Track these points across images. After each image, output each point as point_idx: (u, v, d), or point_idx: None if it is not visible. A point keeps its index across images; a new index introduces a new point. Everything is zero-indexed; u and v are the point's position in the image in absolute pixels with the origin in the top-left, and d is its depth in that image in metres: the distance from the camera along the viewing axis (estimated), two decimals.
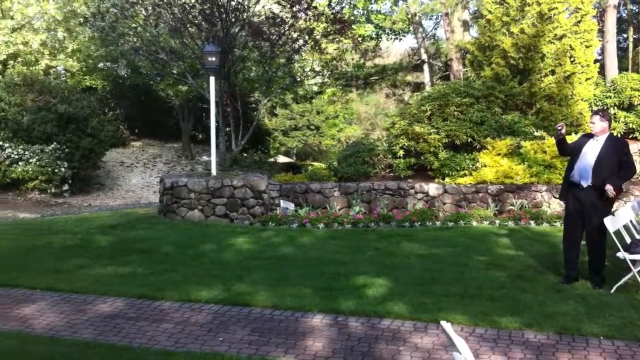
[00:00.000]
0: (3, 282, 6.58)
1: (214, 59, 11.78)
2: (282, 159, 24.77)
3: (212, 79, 12.08)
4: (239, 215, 10.66)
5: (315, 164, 24.44)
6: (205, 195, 10.70)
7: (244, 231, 9.57)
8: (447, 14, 20.63)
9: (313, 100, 29.85)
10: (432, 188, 11.24)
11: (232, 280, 6.48)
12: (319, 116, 35.87)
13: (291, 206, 11.06)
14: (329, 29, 14.60)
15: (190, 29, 14.43)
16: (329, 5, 15.08)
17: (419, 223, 10.05)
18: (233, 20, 13.96)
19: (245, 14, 14.10)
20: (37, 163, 14.55)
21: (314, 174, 12.41)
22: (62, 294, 6.19)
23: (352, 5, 23.28)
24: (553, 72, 13.34)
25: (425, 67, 24.23)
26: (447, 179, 11.32)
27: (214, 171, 11.77)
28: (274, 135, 29.08)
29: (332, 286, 6.22)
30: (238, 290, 6.08)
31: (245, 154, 15.77)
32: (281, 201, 11.17)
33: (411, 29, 25.17)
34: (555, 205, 10.48)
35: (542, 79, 13.36)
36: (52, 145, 14.80)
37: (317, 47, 14.79)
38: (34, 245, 8.53)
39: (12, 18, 18.23)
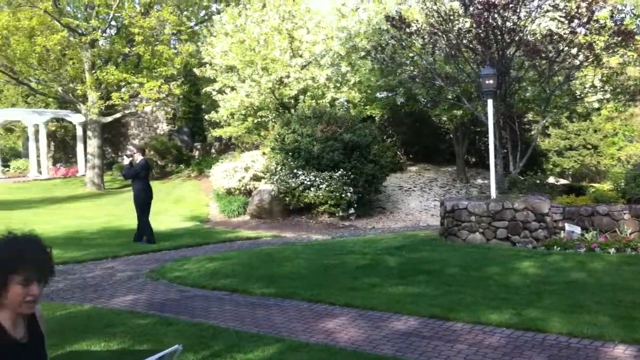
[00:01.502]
0: (307, 298, 7.27)
1: (491, 81, 11.79)
2: (553, 180, 23.63)
3: (489, 102, 12.08)
4: (521, 239, 10.47)
5: (596, 185, 22.93)
6: (485, 218, 10.71)
7: (528, 255, 9.38)
8: None
9: (591, 118, 28.09)
10: None
11: (522, 305, 6.43)
12: (596, 134, 33.60)
13: (577, 230, 10.57)
14: (610, 42, 13.75)
15: (465, 53, 14.62)
16: (611, 17, 14.20)
17: None
18: (508, 41, 13.83)
19: (521, 34, 13.89)
20: (327, 188, 15.79)
21: (599, 196, 11.74)
22: (359, 310, 6.66)
23: (634, 15, 21.57)
24: None
25: None
26: None
27: (493, 194, 11.72)
28: (547, 156, 27.95)
29: (632, 315, 5.86)
30: (529, 315, 6.02)
31: (521, 176, 15.42)
32: (566, 224, 10.74)
33: None
34: None
35: None
36: (339, 172, 15.95)
37: (597, 62, 14.01)
38: (330, 265, 9.27)
39: (301, 56, 20.12)
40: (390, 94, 20.31)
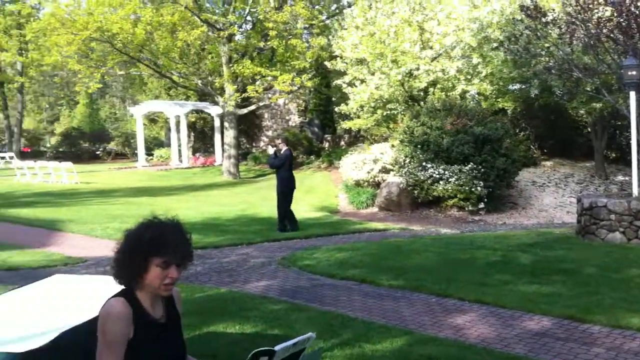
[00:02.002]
0: (435, 292, 7.25)
1: (634, 72, 11.14)
2: None
3: (632, 94, 11.42)
4: None
5: None
6: (626, 216, 10.15)
7: None
8: None
9: None
10: None
11: None
12: None
13: None
14: None
15: (605, 43, 13.91)
16: None
17: None
18: None
19: None
20: (456, 182, 15.57)
21: None
22: (489, 307, 6.56)
23: None
24: None
25: None
26: None
27: (635, 192, 11.09)
28: None
29: None
30: None
31: None
32: None
33: None
34: None
35: None
36: (469, 166, 15.67)
37: None
38: (459, 259, 9.18)
39: (431, 48, 19.90)
40: (523, 86, 19.70)
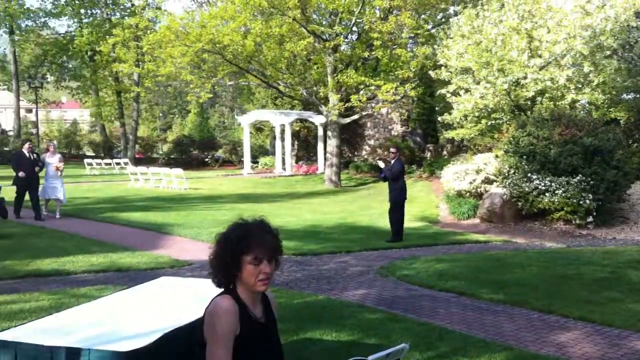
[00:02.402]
0: (538, 308, 7.07)
1: None
2: None
3: None
4: None
5: None
6: None
7: None
8: None
9: None
10: None
11: None
12: None
13: None
14: None
15: None
16: None
17: None
18: None
19: None
20: (563, 194, 15.01)
21: None
22: (595, 325, 6.34)
23: None
24: None
25: None
26: None
27: None
28: None
29: None
30: None
31: None
32: None
33: None
34: None
35: None
36: (577, 178, 15.07)
37: None
38: (564, 274, 8.87)
39: (540, 57, 19.32)
40: (638, 95, 18.79)
